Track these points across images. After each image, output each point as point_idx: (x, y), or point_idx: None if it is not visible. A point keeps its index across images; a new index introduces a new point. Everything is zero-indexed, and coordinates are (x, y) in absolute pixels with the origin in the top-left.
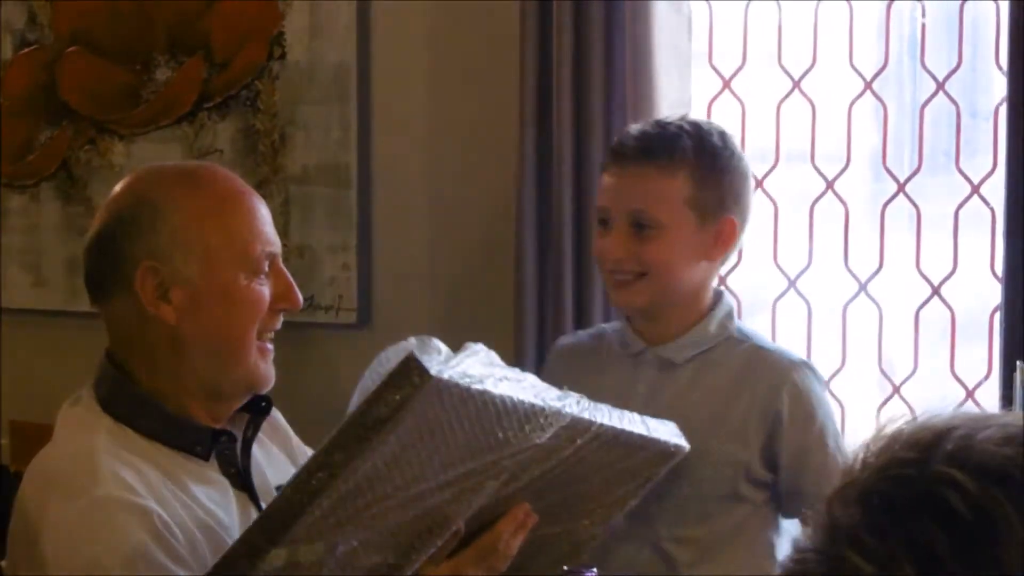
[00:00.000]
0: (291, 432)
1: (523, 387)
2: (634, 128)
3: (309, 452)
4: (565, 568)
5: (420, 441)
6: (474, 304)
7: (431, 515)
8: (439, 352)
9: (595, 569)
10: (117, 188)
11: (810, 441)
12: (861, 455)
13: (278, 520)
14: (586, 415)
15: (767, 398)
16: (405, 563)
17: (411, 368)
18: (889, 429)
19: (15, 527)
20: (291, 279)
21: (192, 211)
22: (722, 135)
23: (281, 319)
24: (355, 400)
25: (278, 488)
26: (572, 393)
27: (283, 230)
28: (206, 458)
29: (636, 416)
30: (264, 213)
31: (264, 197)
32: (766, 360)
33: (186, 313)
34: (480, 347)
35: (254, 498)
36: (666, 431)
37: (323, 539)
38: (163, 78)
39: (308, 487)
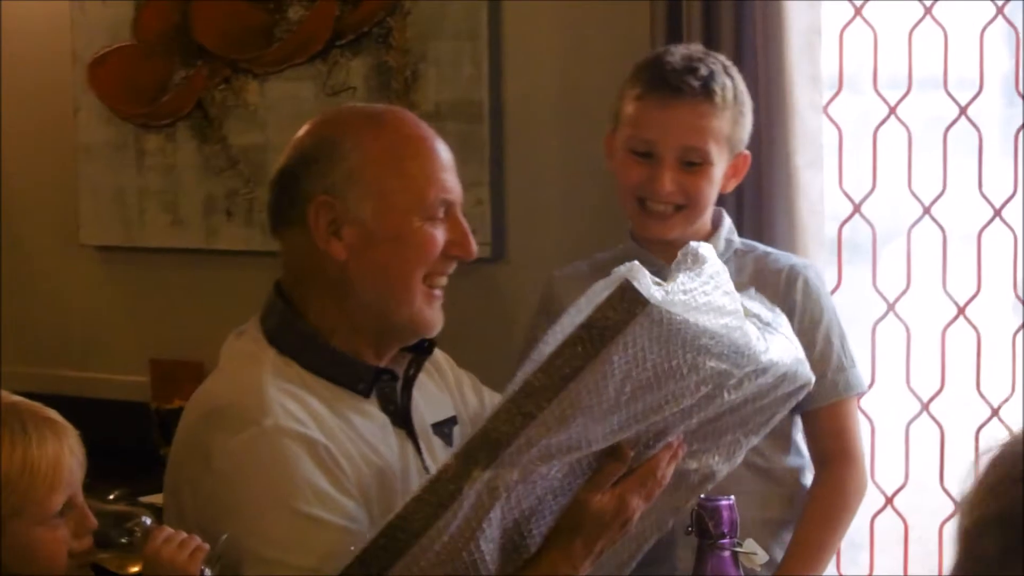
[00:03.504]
0: (457, 370)
1: (731, 317)
2: (674, 60)
3: (474, 391)
4: (702, 496)
5: (626, 370)
6: (607, 237)
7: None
8: (648, 278)
9: (732, 497)
10: (305, 126)
11: (818, 337)
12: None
13: (489, 444)
14: (775, 358)
15: (783, 293)
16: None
17: (626, 294)
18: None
19: (178, 457)
20: (467, 228)
21: (371, 152)
22: (738, 71)
23: (453, 266)
24: (561, 325)
25: (440, 424)
26: (774, 313)
27: None
28: (367, 395)
29: (788, 342)
30: (446, 160)
31: None
32: (777, 262)
33: (356, 251)
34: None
35: (412, 436)
36: (796, 361)
37: (520, 467)
38: (296, 17)
39: (519, 413)
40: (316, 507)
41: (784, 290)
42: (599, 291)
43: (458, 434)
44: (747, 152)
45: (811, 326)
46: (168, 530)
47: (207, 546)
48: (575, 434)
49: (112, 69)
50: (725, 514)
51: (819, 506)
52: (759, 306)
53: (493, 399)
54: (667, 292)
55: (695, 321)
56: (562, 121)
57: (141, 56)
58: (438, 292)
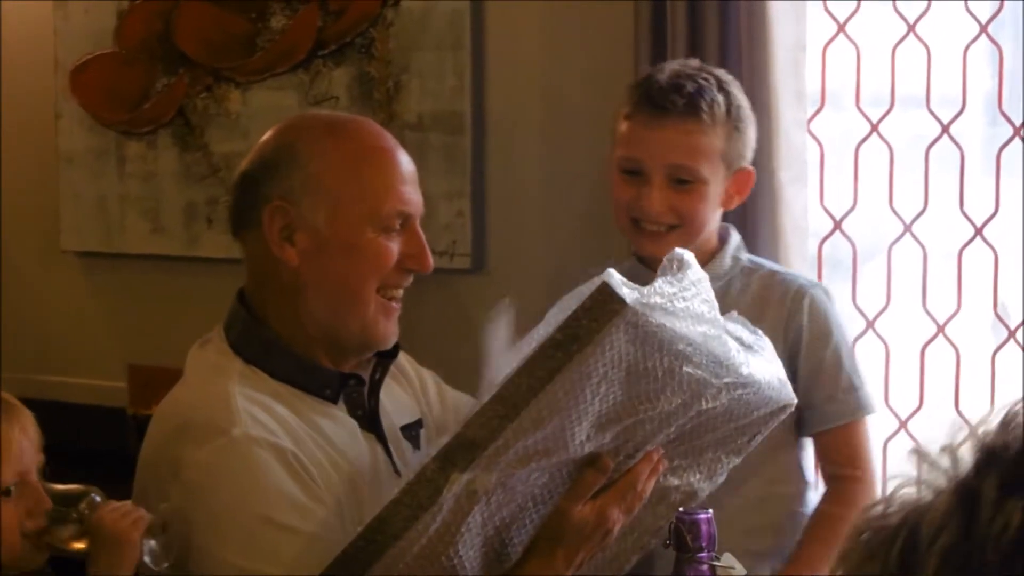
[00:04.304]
0: (420, 371)
1: (710, 325)
2: (665, 78)
3: (437, 392)
4: (680, 510)
5: (602, 373)
6: (589, 250)
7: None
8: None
9: (711, 511)
10: (269, 131)
11: (825, 358)
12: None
13: (466, 446)
14: (755, 374)
15: (789, 314)
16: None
17: (603, 297)
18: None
19: (146, 471)
20: (424, 241)
21: (330, 160)
22: (738, 86)
23: (409, 279)
24: (541, 329)
25: (407, 428)
26: (756, 336)
27: None
28: (334, 401)
29: (768, 364)
30: (407, 171)
31: None
32: (784, 281)
33: (308, 257)
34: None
35: (382, 440)
36: (778, 382)
37: (498, 471)
38: (278, 26)
39: (496, 416)
40: (287, 515)
41: (790, 309)
42: (576, 296)
43: (424, 437)
44: (750, 168)
45: (818, 346)
46: (114, 503)
47: (149, 515)
48: (552, 436)
49: (94, 76)
50: (703, 528)
51: (825, 523)
52: (741, 329)
53: (457, 399)
54: (642, 295)
55: (671, 326)
56: (544, 133)
57: (123, 64)
58: (395, 304)
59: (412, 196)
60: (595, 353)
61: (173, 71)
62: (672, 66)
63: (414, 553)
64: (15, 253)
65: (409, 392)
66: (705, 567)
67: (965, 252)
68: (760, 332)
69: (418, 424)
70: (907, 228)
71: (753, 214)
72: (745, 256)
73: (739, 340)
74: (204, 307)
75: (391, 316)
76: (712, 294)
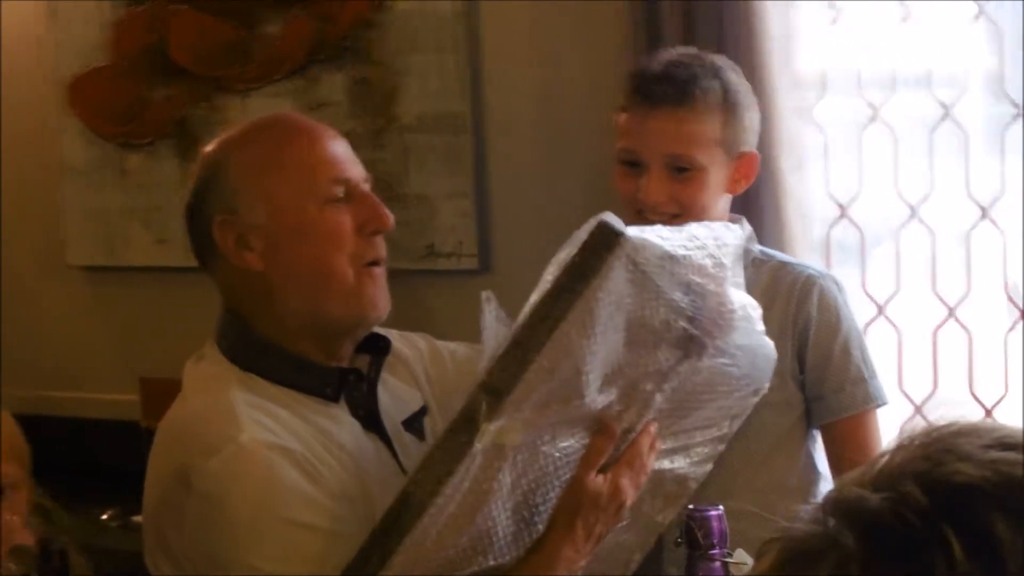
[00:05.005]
0: (416, 349)
1: (711, 280)
2: (656, 67)
3: (432, 353)
4: (691, 507)
5: (607, 314)
6: None
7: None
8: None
9: (721, 507)
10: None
11: (834, 348)
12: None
13: (491, 394)
14: (742, 345)
15: (798, 304)
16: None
17: (604, 231)
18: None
19: (155, 488)
20: (376, 201)
21: (249, 159)
22: (735, 70)
23: (381, 243)
24: (541, 285)
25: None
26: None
27: (400, 179)
28: (335, 399)
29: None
30: (333, 144)
31: (380, 147)
32: (793, 271)
33: (269, 256)
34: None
35: (385, 439)
36: (764, 361)
37: (522, 421)
38: (272, 32)
39: (515, 362)
40: (306, 514)
41: (799, 300)
42: (573, 243)
43: (428, 425)
44: (754, 151)
45: (827, 337)
46: None
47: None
48: (568, 382)
49: (90, 89)
50: (714, 524)
51: None
52: (745, 297)
53: (454, 349)
54: (642, 231)
55: (671, 270)
56: (543, 130)
57: (118, 76)
58: (377, 271)
59: (343, 162)
60: (601, 288)
61: (170, 81)
62: (667, 55)
63: (450, 512)
64: (19, 268)
65: (409, 379)
66: (717, 564)
67: (973, 234)
68: (758, 307)
69: (421, 412)
70: (914, 212)
71: (756, 203)
72: (756, 247)
73: (743, 307)
74: (211, 317)
75: (376, 282)
76: (721, 253)
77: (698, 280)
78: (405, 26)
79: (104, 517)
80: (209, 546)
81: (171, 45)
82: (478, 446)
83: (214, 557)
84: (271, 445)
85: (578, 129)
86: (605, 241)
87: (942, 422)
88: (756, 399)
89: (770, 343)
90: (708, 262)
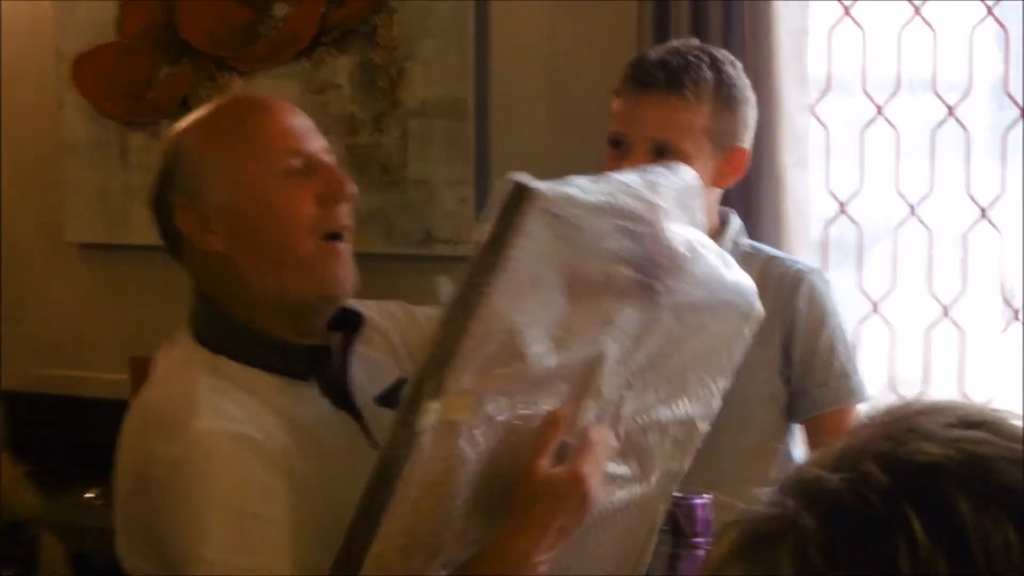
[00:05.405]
0: (392, 317)
1: (642, 224)
2: (653, 55)
3: (409, 319)
4: (677, 495)
5: (536, 274)
6: None
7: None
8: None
9: (708, 496)
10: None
11: (820, 344)
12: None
13: (431, 366)
14: (697, 274)
15: (786, 299)
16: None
17: (515, 190)
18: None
19: (124, 475)
20: (336, 169)
21: (204, 142)
22: (734, 64)
23: (343, 214)
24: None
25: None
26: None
27: (401, 163)
28: (305, 378)
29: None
30: (285, 117)
31: (382, 131)
32: (782, 266)
33: (231, 237)
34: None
35: (357, 416)
36: (735, 286)
37: (470, 393)
38: (281, 14)
39: (447, 335)
40: (259, 504)
41: (787, 295)
42: (492, 203)
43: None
44: (744, 147)
45: (814, 332)
46: None
47: None
48: (507, 345)
49: (96, 67)
50: (699, 512)
51: None
52: (692, 231)
53: (432, 316)
54: (555, 183)
55: (598, 220)
56: (548, 119)
57: (124, 54)
58: (340, 246)
59: (303, 136)
60: (520, 245)
61: (175, 61)
62: (668, 45)
63: (414, 497)
64: (18, 245)
65: (387, 350)
66: (701, 552)
67: (970, 234)
68: (709, 240)
69: (399, 384)
70: (913, 211)
71: (756, 199)
72: (745, 241)
73: (689, 243)
74: None
75: (339, 258)
76: (654, 195)
77: (628, 225)
78: (414, 10)
79: (89, 496)
80: (164, 531)
81: (181, 24)
82: (424, 425)
83: (172, 546)
84: (229, 432)
85: (582, 122)
86: (518, 200)
87: (903, 401)
88: (750, 326)
89: (740, 270)
90: (639, 205)
